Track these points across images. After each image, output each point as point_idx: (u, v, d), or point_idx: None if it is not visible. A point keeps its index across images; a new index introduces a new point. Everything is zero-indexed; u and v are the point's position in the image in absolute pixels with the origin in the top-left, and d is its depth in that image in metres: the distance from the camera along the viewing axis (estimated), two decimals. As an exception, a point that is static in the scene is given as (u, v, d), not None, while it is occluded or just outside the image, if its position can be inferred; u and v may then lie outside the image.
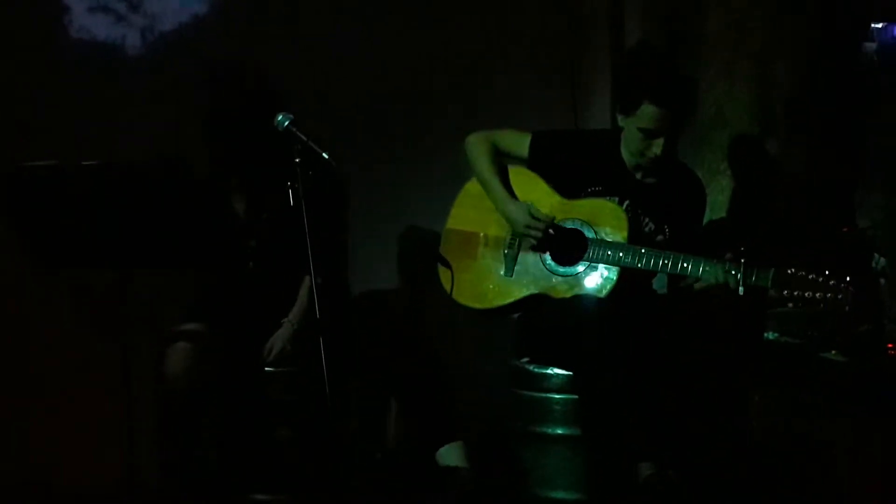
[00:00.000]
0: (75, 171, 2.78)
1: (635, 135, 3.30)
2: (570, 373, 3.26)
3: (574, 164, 3.44)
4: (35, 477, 3.70)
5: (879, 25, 4.00)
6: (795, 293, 3.04)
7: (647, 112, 3.25)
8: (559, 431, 3.30)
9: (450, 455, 3.38)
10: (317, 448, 3.36)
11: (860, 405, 3.31)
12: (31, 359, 3.85)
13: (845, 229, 3.04)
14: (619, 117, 3.36)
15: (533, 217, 3.36)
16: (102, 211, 2.77)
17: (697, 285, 3.16)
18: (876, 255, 3.59)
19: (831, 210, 3.92)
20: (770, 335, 3.76)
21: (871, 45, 4.02)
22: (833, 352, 3.51)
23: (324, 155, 2.95)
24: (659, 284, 3.48)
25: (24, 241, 2.87)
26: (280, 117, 3.10)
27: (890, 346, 3.53)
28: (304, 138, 3.03)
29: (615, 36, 4.41)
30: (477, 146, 3.54)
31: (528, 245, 3.40)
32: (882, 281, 3.64)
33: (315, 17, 4.05)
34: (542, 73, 4.37)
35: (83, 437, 3.77)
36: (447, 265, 3.54)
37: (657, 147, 3.28)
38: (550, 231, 3.37)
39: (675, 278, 3.24)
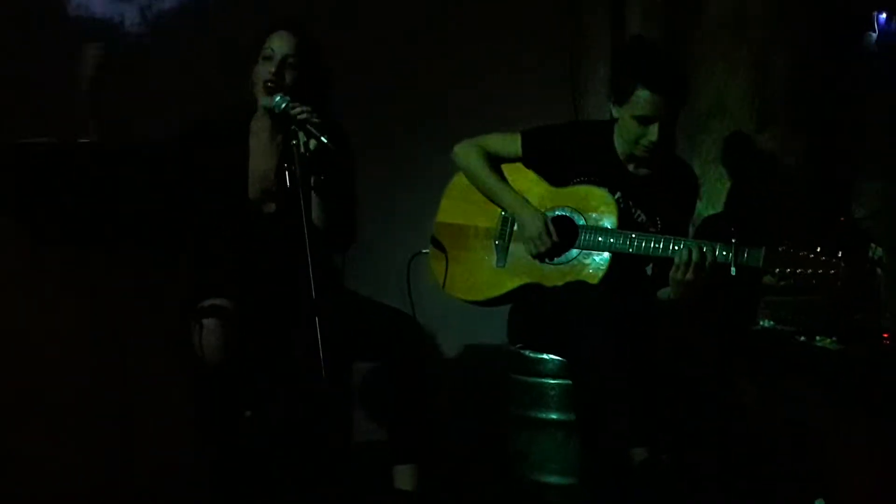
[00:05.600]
0: (73, 148, 2.77)
1: (630, 123, 3.29)
2: (565, 359, 3.26)
3: (567, 156, 3.42)
4: (34, 476, 3.69)
5: (882, 15, 4.00)
6: (787, 270, 3.03)
7: (642, 97, 3.23)
8: (553, 416, 3.31)
9: (403, 477, 3.19)
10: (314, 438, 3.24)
11: (855, 394, 3.31)
12: (29, 358, 3.83)
13: (842, 219, 3.04)
14: (614, 108, 3.34)
15: (548, 230, 3.35)
16: (100, 189, 2.77)
17: (683, 275, 3.11)
18: (872, 245, 3.59)
19: (829, 199, 3.93)
20: (765, 323, 3.77)
21: (870, 35, 4.02)
22: (829, 340, 3.51)
23: (322, 139, 2.94)
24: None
25: (21, 219, 2.86)
26: (278, 98, 3.08)
27: (885, 335, 3.54)
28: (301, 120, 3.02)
29: (616, 27, 4.41)
30: (469, 156, 3.51)
31: (528, 247, 3.38)
32: (878, 271, 3.65)
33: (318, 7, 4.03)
34: (541, 66, 4.38)
35: (83, 436, 3.76)
36: (443, 251, 3.53)
37: (652, 134, 3.26)
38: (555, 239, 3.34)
39: (666, 265, 3.18)
